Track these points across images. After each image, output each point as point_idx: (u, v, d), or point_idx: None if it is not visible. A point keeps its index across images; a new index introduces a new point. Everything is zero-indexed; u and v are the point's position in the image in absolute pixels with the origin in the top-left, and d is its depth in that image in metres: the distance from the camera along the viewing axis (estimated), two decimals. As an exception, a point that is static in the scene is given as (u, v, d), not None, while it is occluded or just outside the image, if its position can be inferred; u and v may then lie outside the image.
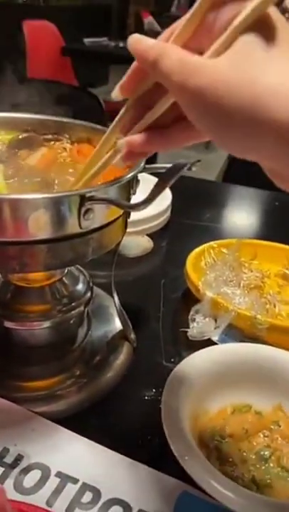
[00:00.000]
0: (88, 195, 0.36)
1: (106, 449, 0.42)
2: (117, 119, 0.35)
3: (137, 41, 0.29)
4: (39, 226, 0.35)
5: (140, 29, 2.93)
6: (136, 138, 0.32)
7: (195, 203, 0.96)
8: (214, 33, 0.27)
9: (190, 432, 0.41)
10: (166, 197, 0.81)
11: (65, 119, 0.52)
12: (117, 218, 0.42)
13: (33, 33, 2.64)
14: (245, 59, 0.25)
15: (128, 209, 0.37)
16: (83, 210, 0.36)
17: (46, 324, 0.49)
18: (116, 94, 0.33)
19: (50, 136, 0.50)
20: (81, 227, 0.37)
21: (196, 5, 0.27)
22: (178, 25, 0.29)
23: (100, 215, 0.38)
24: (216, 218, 0.92)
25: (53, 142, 0.50)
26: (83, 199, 0.36)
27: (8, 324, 0.47)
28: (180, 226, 0.84)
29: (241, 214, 1.00)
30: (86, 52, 2.89)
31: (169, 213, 0.81)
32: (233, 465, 0.41)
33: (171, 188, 0.84)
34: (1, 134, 0.50)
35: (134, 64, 0.31)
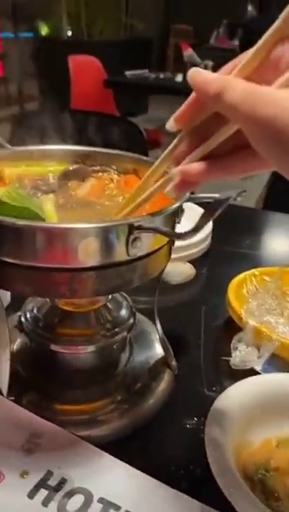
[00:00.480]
0: (136, 224, 0.37)
1: (148, 476, 0.42)
2: (169, 148, 0.36)
3: (197, 74, 0.30)
4: (89, 254, 0.37)
5: (180, 61, 3.01)
6: (193, 167, 0.32)
7: (235, 230, 0.96)
8: (281, 67, 0.28)
9: (234, 463, 0.40)
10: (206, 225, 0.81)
11: (111, 151, 0.54)
12: (162, 246, 0.43)
13: (78, 66, 2.77)
14: None
15: (176, 238, 0.38)
16: (131, 238, 0.37)
17: (90, 348, 0.50)
18: (171, 125, 0.34)
19: (97, 168, 0.52)
20: (128, 255, 0.38)
21: (263, 39, 0.28)
22: (241, 59, 0.30)
23: (147, 243, 0.40)
24: (256, 245, 0.92)
25: (100, 173, 0.52)
26: (131, 228, 0.37)
27: (54, 347, 0.49)
28: (220, 253, 0.84)
29: (281, 241, 0.99)
30: (127, 84, 3.00)
31: (209, 240, 0.82)
32: (278, 500, 0.40)
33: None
34: (52, 166, 0.53)
35: (192, 97, 0.32)
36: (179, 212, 0.44)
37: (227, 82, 0.29)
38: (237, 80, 0.29)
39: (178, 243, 0.71)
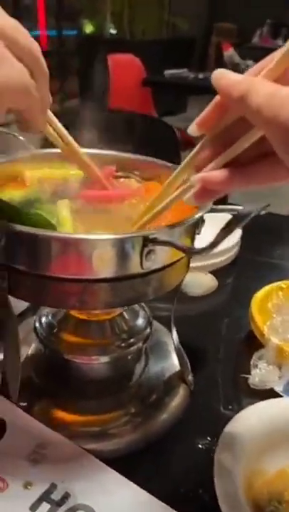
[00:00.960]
0: (151, 237, 0.35)
1: (154, 498, 0.40)
2: (191, 155, 0.34)
3: (221, 76, 0.29)
4: (100, 265, 0.35)
5: (221, 61, 2.96)
6: (214, 174, 0.31)
7: (266, 238, 0.92)
8: None
9: (244, 493, 0.38)
10: (235, 233, 0.78)
11: (135, 156, 0.52)
12: (180, 259, 0.41)
13: (117, 66, 2.77)
14: None
15: (190, 254, 0.36)
16: (145, 251, 0.36)
17: (104, 359, 0.48)
18: (193, 130, 0.32)
19: (120, 173, 0.51)
20: (143, 268, 0.37)
21: None
22: (270, 60, 0.28)
23: (162, 256, 0.38)
24: (287, 255, 0.88)
25: (122, 179, 0.50)
26: (146, 240, 0.35)
27: (67, 357, 0.48)
28: (248, 262, 0.81)
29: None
30: (166, 84, 2.98)
31: (236, 249, 0.79)
32: (290, 536, 0.38)
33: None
34: (75, 169, 0.52)
35: (215, 100, 0.31)
36: (199, 223, 0.42)
37: (252, 84, 0.27)
38: (263, 82, 0.27)
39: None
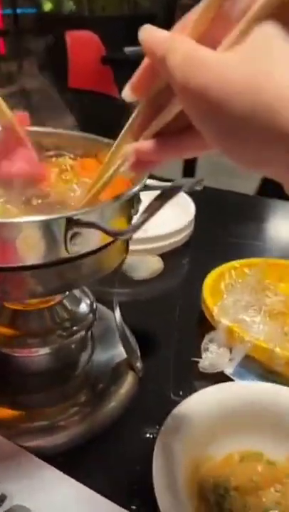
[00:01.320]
0: (75, 218, 0.32)
1: (96, 494, 0.38)
2: (128, 124, 0.32)
3: (148, 33, 0.26)
4: (20, 251, 0.32)
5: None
6: (144, 145, 0.29)
7: (222, 217, 0.91)
8: (231, 24, 0.23)
9: (188, 481, 0.36)
10: (188, 212, 0.76)
11: (69, 132, 0.49)
12: (113, 241, 0.38)
13: (76, 43, 2.67)
14: (259, 55, 0.21)
15: (113, 236, 0.33)
16: (70, 234, 0.33)
17: (45, 350, 0.46)
18: (126, 94, 0.29)
19: (51, 153, 0.47)
20: (68, 252, 0.34)
21: None
22: (193, 14, 0.25)
23: (91, 238, 0.35)
24: (245, 234, 0.87)
25: (54, 158, 0.47)
26: (69, 222, 0.32)
27: (4, 350, 0.44)
28: (203, 242, 0.79)
29: (274, 230, 0.94)
30: (126, 61, 2.89)
31: (191, 229, 0.76)
32: (236, 525, 0.36)
33: (195, 201, 0.79)
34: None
35: (146, 60, 0.28)
36: (133, 202, 0.39)
37: (172, 42, 0.24)
38: (183, 40, 0.24)
39: (151, 234, 0.67)
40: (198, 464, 0.39)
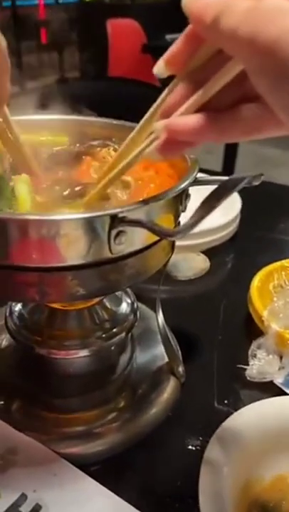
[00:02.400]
0: (120, 215, 0.29)
1: (136, 510, 0.36)
2: (157, 102, 0.28)
3: (193, 0, 0.23)
4: (61, 251, 0.30)
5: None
6: (183, 121, 0.25)
7: (268, 211, 0.85)
8: None
9: (236, 503, 0.33)
10: (234, 206, 0.72)
11: (114, 121, 0.46)
12: (159, 240, 0.35)
13: (116, 31, 2.64)
14: None
15: (163, 236, 0.30)
16: (114, 232, 0.30)
17: (84, 352, 0.43)
18: (160, 69, 0.26)
19: (95, 142, 0.45)
20: (112, 253, 0.31)
21: None
22: None
23: (136, 237, 0.32)
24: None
25: (99, 149, 0.44)
26: (114, 220, 0.29)
27: (41, 351, 0.42)
28: (248, 239, 0.74)
29: None
30: (167, 49, 2.83)
31: (235, 225, 0.72)
32: None
33: (241, 195, 0.75)
34: (45, 136, 0.46)
35: (187, 30, 0.25)
36: (181, 198, 0.35)
37: (226, 3, 0.21)
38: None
39: (195, 229, 0.64)
40: (247, 485, 0.36)
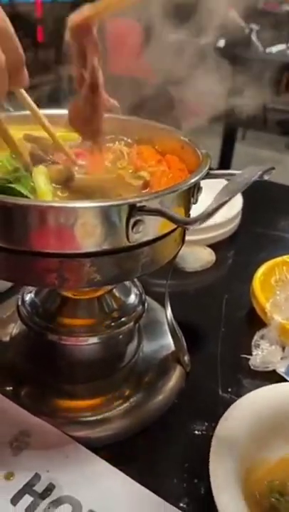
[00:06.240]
0: (139, 204, 0.31)
1: (146, 490, 0.37)
2: None
3: None
4: (81, 238, 0.31)
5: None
6: None
7: (269, 209, 0.87)
8: None
9: (244, 485, 0.35)
10: (235, 203, 0.73)
11: (124, 117, 0.47)
12: (173, 231, 0.36)
13: (114, 29, 2.65)
14: None
15: (182, 224, 0.32)
16: (132, 221, 0.31)
17: (94, 340, 0.45)
18: None
19: (108, 137, 0.46)
20: (129, 241, 0.32)
21: None
22: None
23: (152, 227, 0.33)
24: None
25: (111, 144, 0.45)
26: (132, 209, 0.31)
27: (53, 338, 0.44)
28: (250, 235, 0.76)
29: None
30: (166, 49, 2.85)
31: (237, 221, 0.74)
32: (292, 532, 0.35)
33: (242, 193, 0.77)
34: (60, 131, 0.47)
35: None
36: (194, 190, 0.37)
37: None
38: None
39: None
40: (253, 467, 0.38)
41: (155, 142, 0.47)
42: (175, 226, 0.36)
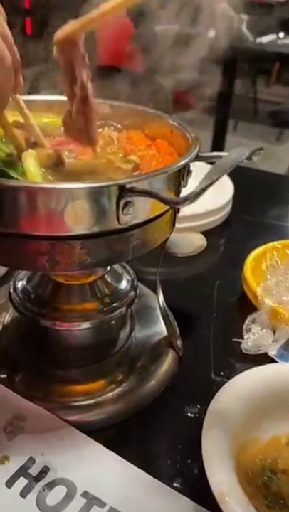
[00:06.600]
0: (128, 186, 0.31)
1: (140, 471, 0.38)
2: None
3: None
4: (71, 220, 0.31)
5: (213, 14, 2.81)
6: None
7: (259, 197, 0.88)
8: None
9: (236, 464, 0.35)
10: (226, 191, 0.74)
11: (114, 102, 0.47)
12: (164, 213, 0.37)
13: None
14: None
15: (171, 204, 0.32)
16: (122, 202, 0.31)
17: (85, 325, 0.45)
18: None
19: (98, 123, 0.46)
20: (120, 223, 0.33)
21: None
22: None
23: (142, 209, 0.34)
24: (282, 216, 0.84)
25: (100, 129, 0.45)
26: (122, 190, 0.31)
27: (44, 323, 0.44)
28: (241, 223, 0.77)
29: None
30: (156, 40, 2.84)
31: (228, 209, 0.74)
32: (284, 508, 0.35)
33: (233, 181, 0.77)
34: (49, 117, 0.47)
35: None
36: (184, 173, 0.37)
37: None
38: None
39: (190, 211, 0.66)
40: (245, 446, 0.38)
41: (145, 127, 0.47)
42: (165, 209, 0.37)
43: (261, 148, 0.33)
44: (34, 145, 0.40)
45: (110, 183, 0.31)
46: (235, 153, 0.31)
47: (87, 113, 0.36)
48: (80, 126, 0.37)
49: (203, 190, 0.29)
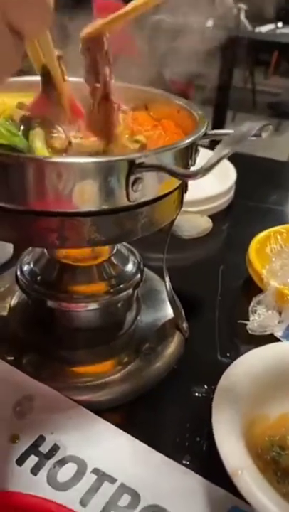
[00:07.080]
0: (138, 161, 0.31)
1: (149, 448, 0.38)
2: None
3: None
4: (80, 196, 0.31)
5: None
6: None
7: (261, 183, 0.88)
8: None
9: (245, 440, 0.36)
10: (229, 176, 0.74)
11: (120, 83, 0.47)
12: (172, 192, 0.37)
13: (101, 9, 2.61)
14: None
15: (182, 177, 0.32)
16: (132, 179, 0.31)
17: (92, 306, 0.45)
18: None
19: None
20: (129, 200, 0.33)
21: None
22: None
23: (152, 186, 0.34)
24: (284, 201, 0.84)
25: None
26: (132, 165, 0.31)
27: (51, 304, 0.44)
28: (244, 208, 0.77)
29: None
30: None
31: (232, 194, 0.74)
32: (293, 482, 0.36)
33: (236, 167, 0.77)
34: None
35: None
36: (192, 150, 0.37)
37: None
38: None
39: (196, 196, 0.66)
40: (253, 422, 0.38)
41: (150, 109, 0.46)
42: (174, 187, 0.37)
43: (270, 124, 0.33)
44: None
45: (120, 157, 0.31)
46: (246, 127, 0.31)
47: (108, 109, 0.37)
48: (100, 122, 0.37)
49: (215, 164, 0.29)
